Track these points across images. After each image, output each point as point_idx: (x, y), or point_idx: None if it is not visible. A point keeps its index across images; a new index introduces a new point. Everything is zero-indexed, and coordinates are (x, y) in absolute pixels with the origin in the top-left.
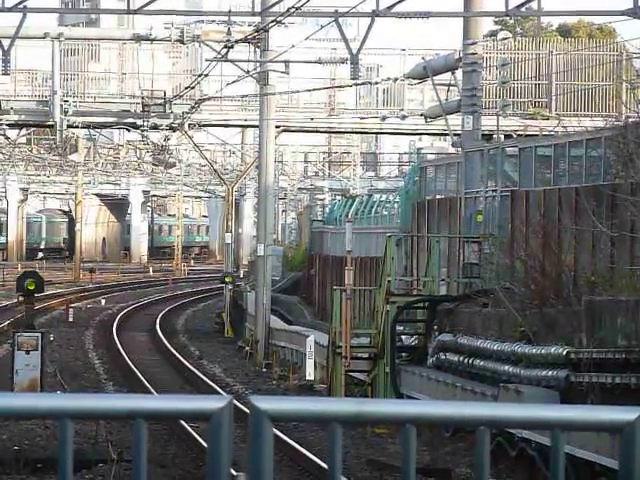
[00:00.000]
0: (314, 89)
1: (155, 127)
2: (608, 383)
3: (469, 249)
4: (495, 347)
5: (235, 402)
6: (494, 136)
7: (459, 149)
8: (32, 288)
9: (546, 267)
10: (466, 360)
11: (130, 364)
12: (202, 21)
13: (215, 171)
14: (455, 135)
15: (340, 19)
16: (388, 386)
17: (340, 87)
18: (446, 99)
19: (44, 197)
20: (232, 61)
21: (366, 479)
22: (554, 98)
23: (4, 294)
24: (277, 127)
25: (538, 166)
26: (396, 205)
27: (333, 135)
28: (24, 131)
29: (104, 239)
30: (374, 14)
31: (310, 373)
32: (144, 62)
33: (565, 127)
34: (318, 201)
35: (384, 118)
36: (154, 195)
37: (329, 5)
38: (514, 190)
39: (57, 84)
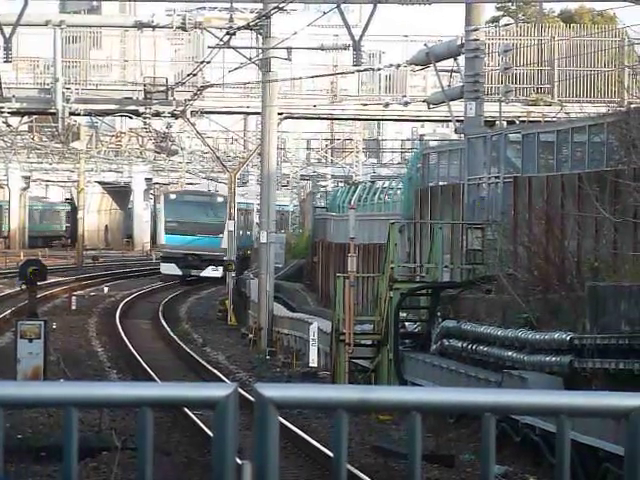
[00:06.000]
0: (316, 76)
1: (157, 114)
2: (612, 369)
3: (472, 235)
4: (499, 333)
5: (239, 390)
6: (497, 122)
7: (462, 135)
8: (35, 276)
9: (549, 253)
10: (470, 346)
11: (133, 352)
12: (204, 8)
13: (217, 158)
14: (458, 121)
15: (342, 5)
16: (392, 373)
17: (342, 74)
18: (449, 85)
19: (46, 185)
20: (234, 48)
21: (371, 466)
22: (556, 84)
23: (6, 282)
24: (279, 114)
25: (541, 152)
26: (399, 192)
27: (335, 122)
28: (26, 119)
29: (106, 227)
30: (376, 0)
31: (313, 360)
32: (146, 49)
33: (568, 113)
34: (321, 188)
35: (386, 105)
36: (156, 183)
37: None
38: (517, 176)
39: (59, 71)
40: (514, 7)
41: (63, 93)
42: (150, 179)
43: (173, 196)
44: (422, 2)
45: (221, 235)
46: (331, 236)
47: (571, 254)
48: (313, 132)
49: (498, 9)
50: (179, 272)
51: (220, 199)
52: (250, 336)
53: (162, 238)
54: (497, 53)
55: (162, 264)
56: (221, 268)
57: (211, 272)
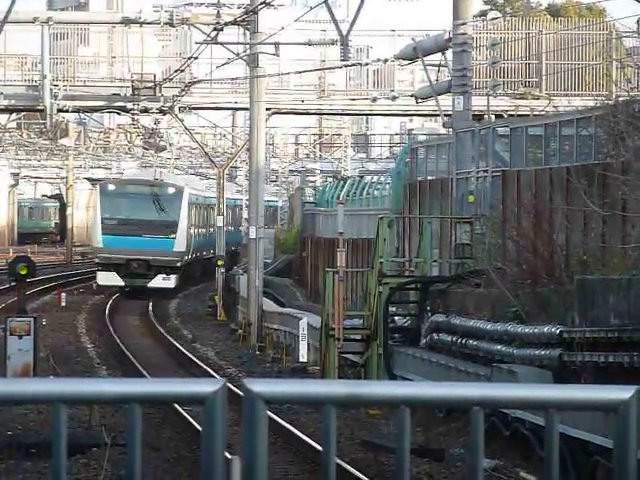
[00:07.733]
0: (304, 71)
1: (145, 110)
2: (601, 362)
3: (461, 230)
4: (488, 327)
5: (229, 385)
6: (485, 116)
7: (450, 130)
8: (24, 273)
9: (538, 247)
10: (459, 340)
11: (123, 348)
12: (191, 4)
13: (206, 154)
14: (446, 116)
15: (330, 0)
16: (381, 367)
17: (330, 69)
18: (436, 80)
19: (35, 182)
20: (222, 43)
21: (360, 460)
22: (544, 78)
23: None
24: (267, 109)
25: (529, 146)
26: (387, 186)
27: (324, 117)
28: (14, 116)
29: None
30: None
31: (303, 355)
32: (133, 45)
33: (556, 107)
34: (309, 183)
35: (374, 99)
36: None
37: None
38: (505, 170)
39: (47, 68)
40: (501, 1)
41: (51, 90)
42: None
43: (111, 187)
44: None
45: (173, 235)
46: (320, 231)
47: (560, 247)
48: (301, 127)
49: (486, 3)
50: (120, 282)
51: (171, 189)
52: (239, 331)
53: (98, 240)
54: (485, 47)
55: (99, 273)
56: (174, 276)
57: (161, 282)
